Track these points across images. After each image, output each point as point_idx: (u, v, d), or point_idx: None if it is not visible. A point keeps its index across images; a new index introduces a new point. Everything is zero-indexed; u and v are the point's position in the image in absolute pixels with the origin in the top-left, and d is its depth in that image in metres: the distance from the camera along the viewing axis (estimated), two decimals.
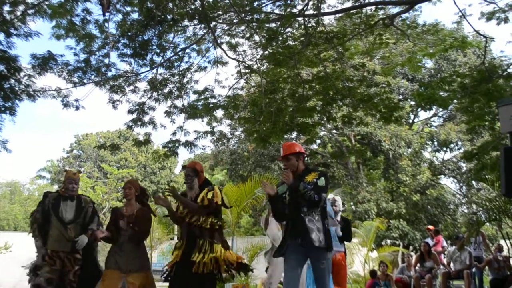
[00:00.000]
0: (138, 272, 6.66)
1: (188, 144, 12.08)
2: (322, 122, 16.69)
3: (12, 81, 10.71)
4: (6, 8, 10.67)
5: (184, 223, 6.58)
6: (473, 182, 27.08)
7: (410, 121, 30.79)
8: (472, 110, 13.26)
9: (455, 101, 14.50)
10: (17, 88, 10.70)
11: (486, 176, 15.40)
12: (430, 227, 16.75)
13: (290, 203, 5.72)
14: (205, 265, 6.26)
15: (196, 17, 10.74)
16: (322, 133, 27.85)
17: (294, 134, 20.24)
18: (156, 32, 10.69)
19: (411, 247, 25.63)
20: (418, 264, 13.17)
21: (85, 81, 11.17)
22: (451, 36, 14.16)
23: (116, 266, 6.65)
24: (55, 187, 49.22)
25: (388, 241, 24.15)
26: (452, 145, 28.78)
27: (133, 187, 7.06)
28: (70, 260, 6.99)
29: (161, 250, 25.43)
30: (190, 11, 10.67)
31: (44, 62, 10.58)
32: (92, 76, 11.26)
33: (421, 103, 15.58)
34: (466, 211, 28.87)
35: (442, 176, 29.19)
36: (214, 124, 13.07)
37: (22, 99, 10.87)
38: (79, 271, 7.06)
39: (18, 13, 10.74)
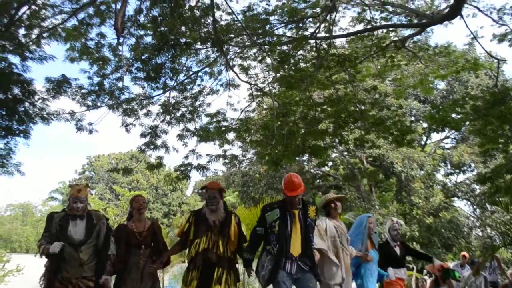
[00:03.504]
0: None
1: (200, 168, 12.07)
2: (334, 144, 16.64)
3: (27, 104, 10.81)
4: (22, 31, 10.83)
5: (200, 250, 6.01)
6: (487, 204, 26.82)
7: (423, 142, 30.68)
8: (485, 133, 13.18)
9: (467, 123, 14.43)
10: (31, 111, 10.80)
11: (500, 199, 15.24)
12: (466, 254, 16.18)
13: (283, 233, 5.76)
14: None
15: (209, 41, 10.81)
16: (334, 155, 27.80)
17: (305, 157, 20.22)
18: (169, 56, 10.77)
19: (424, 271, 25.33)
20: None
21: (98, 104, 11.26)
22: (463, 58, 14.16)
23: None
24: None
25: None
26: (465, 167, 28.58)
27: (145, 201, 6.86)
28: (82, 287, 6.12)
29: (172, 273, 25.34)
30: (203, 35, 10.75)
31: (59, 86, 10.69)
32: (106, 100, 11.35)
33: (433, 125, 15.53)
34: (480, 234, 28.56)
35: (455, 198, 28.97)
36: (226, 147, 13.07)
37: (36, 122, 10.96)
38: None
39: (33, 36, 10.90)
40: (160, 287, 6.83)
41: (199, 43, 11.15)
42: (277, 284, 5.66)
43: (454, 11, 11.28)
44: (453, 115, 14.22)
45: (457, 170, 29.07)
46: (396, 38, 13.85)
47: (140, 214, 6.65)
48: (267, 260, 5.77)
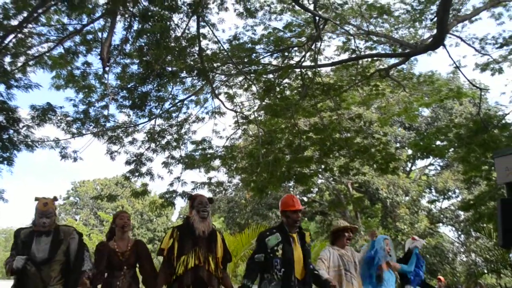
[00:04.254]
0: None
1: (185, 195, 12.05)
2: (319, 171, 16.71)
3: (11, 131, 10.74)
4: (7, 59, 10.82)
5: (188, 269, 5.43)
6: (471, 230, 26.96)
7: (408, 169, 30.87)
8: (468, 160, 13.32)
9: (451, 150, 14.59)
10: (15, 139, 10.71)
11: (484, 226, 15.35)
12: (442, 278, 16.31)
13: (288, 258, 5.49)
14: None
15: (195, 70, 10.89)
16: (319, 181, 27.85)
17: (291, 183, 20.24)
18: (155, 85, 10.81)
19: None
20: None
21: (83, 132, 11.23)
22: (446, 87, 14.38)
23: None
24: None
25: None
26: (449, 193, 28.77)
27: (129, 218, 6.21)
28: None
29: None
30: (189, 64, 10.83)
31: (44, 113, 10.64)
32: (91, 127, 11.33)
33: (417, 152, 15.69)
34: (465, 259, 28.64)
35: (440, 224, 29.11)
36: (212, 173, 13.09)
37: (21, 149, 10.88)
38: None
39: (19, 64, 10.90)
40: None
41: (185, 72, 11.22)
42: None
43: (437, 41, 11.46)
44: (437, 143, 14.41)
45: (442, 196, 29.26)
46: (380, 67, 14.06)
47: (123, 233, 5.98)
48: (272, 286, 5.41)
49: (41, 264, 5.34)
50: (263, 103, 12.76)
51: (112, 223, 6.15)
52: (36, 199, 5.71)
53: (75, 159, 11.21)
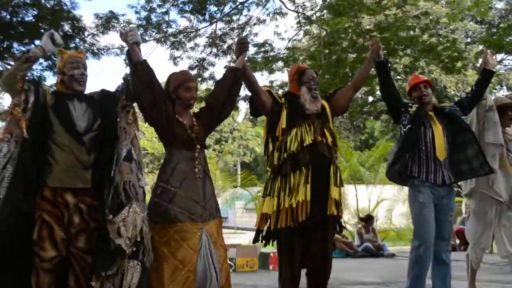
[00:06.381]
0: (216, 218, 3.89)
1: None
2: None
3: (77, 40, 11.05)
4: None
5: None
6: None
7: (478, 65, 29.77)
8: None
9: None
10: (82, 47, 11.04)
11: None
12: None
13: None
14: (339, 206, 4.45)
15: None
16: None
17: None
18: None
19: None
20: None
21: (146, 38, 11.39)
22: None
23: (188, 213, 3.65)
24: None
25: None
26: None
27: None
28: (83, 210, 3.58)
29: (224, 198, 25.89)
30: None
31: (107, 21, 10.85)
32: (154, 33, 11.47)
33: (488, 49, 15.03)
34: None
35: None
36: (274, 76, 13.13)
37: (87, 57, 11.20)
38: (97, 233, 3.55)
39: None
40: None
41: None
42: None
43: None
44: (509, 38, 13.74)
45: None
46: None
47: (187, 108, 3.99)
48: None
49: (83, 134, 3.66)
50: (326, 2, 12.43)
51: (170, 90, 3.96)
52: (60, 51, 3.85)
53: None
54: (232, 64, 12.32)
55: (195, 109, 4.29)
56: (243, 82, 4.32)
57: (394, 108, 4.97)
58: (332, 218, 4.39)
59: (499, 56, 28.84)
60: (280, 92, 13.63)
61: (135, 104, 3.83)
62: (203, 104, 4.30)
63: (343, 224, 4.78)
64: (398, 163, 4.74)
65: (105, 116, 3.76)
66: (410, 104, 4.90)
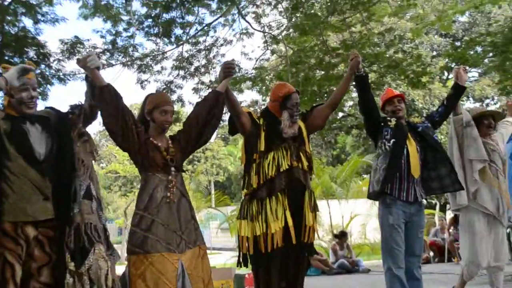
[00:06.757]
0: (194, 248, 3.64)
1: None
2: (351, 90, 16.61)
3: (43, 66, 10.95)
4: None
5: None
6: None
7: (444, 77, 30.24)
8: (504, 69, 13.03)
9: (486, 59, 14.25)
10: (47, 73, 10.94)
11: None
12: None
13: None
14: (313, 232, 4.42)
15: None
16: (354, 95, 27.61)
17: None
18: (178, 12, 10.73)
19: (448, 205, 25.43)
20: (452, 227, 12.99)
21: (113, 62, 11.34)
22: None
23: (165, 243, 3.45)
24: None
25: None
26: (488, 100, 28.23)
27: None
28: (44, 242, 3.42)
29: (199, 218, 25.65)
30: None
31: (72, 47, 10.78)
32: (120, 57, 11.42)
33: (452, 63, 15.35)
34: None
35: None
36: (243, 96, 13.20)
37: (53, 83, 11.13)
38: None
39: None
40: None
41: None
42: None
43: None
44: (472, 52, 14.05)
45: (480, 104, 28.74)
46: None
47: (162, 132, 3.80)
48: None
49: (42, 162, 3.45)
50: (292, 21, 12.56)
51: (145, 112, 3.76)
52: (3, 67, 3.71)
53: None
54: (200, 86, 12.47)
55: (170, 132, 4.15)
56: (225, 105, 4.17)
57: (374, 122, 4.92)
58: (306, 244, 4.38)
59: None
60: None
61: (96, 131, 3.76)
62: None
63: (319, 237, 4.78)
64: (389, 181, 4.65)
65: (60, 140, 3.56)
66: (388, 118, 4.87)
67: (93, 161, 3.73)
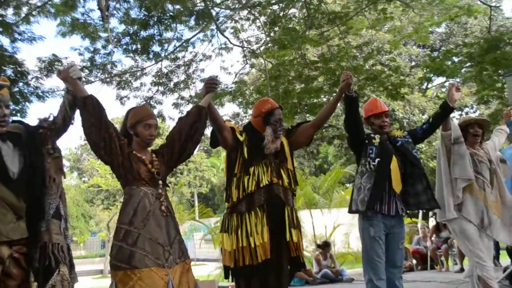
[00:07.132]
0: (181, 263, 3.60)
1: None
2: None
3: (21, 84, 10.91)
4: (10, 11, 10.85)
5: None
6: None
7: (424, 87, 30.56)
8: (481, 79, 13.24)
9: (463, 70, 14.48)
10: (26, 91, 10.90)
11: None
12: None
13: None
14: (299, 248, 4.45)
15: (194, 14, 10.81)
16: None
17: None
18: (155, 30, 10.78)
19: (430, 213, 25.58)
20: (434, 235, 13.09)
21: (91, 79, 11.33)
22: (456, 5, 14.01)
23: (154, 257, 3.39)
24: (74, 174, 49.34)
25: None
26: (467, 109, 28.59)
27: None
28: (20, 259, 3.34)
29: (183, 230, 25.59)
30: (189, 7, 10.72)
31: (50, 64, 10.76)
32: (99, 74, 11.42)
33: (429, 74, 15.58)
34: None
35: None
36: (223, 110, 13.25)
37: (32, 101, 11.08)
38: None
39: (23, 15, 10.92)
40: None
41: (186, 14, 11.13)
42: None
43: None
44: (449, 63, 14.28)
45: (459, 113, 29.09)
46: None
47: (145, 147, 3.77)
48: None
49: (15, 181, 3.35)
50: (270, 36, 12.65)
51: (128, 126, 3.71)
52: None
53: None
54: (180, 101, 12.50)
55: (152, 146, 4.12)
56: (207, 120, 4.15)
57: (358, 141, 4.89)
58: (291, 259, 4.40)
59: (443, 79, 29.81)
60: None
61: (77, 145, 3.68)
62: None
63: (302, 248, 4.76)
64: (375, 202, 4.65)
65: (31, 155, 3.42)
66: (372, 135, 4.86)
67: (63, 178, 3.67)
